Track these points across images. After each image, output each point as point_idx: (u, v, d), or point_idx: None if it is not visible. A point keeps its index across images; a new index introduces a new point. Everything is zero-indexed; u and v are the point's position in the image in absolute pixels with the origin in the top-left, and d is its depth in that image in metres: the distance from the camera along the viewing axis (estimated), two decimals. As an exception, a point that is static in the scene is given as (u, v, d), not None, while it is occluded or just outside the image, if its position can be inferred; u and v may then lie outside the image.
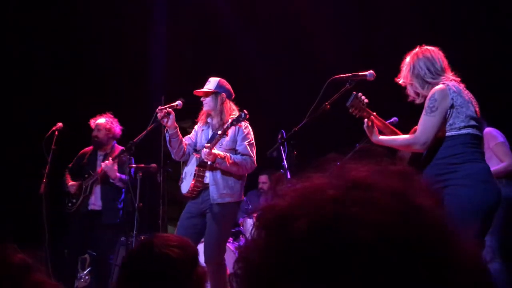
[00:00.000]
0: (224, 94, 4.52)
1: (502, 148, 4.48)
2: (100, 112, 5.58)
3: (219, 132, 4.30)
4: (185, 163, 4.68)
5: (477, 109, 3.22)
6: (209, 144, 4.30)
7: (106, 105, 7.24)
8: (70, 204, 5.49)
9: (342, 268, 0.64)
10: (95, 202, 5.44)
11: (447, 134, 3.14)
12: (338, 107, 3.83)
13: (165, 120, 4.40)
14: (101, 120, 5.66)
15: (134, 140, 4.64)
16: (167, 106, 4.50)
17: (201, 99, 4.57)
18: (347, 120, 6.40)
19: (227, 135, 4.32)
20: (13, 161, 6.89)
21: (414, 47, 3.34)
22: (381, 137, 3.38)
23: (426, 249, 0.65)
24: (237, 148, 4.44)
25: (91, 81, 7.47)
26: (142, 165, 5.15)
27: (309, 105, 3.86)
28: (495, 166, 4.45)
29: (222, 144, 4.37)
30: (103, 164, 5.28)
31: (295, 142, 4.21)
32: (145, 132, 4.59)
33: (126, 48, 7.41)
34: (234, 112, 4.52)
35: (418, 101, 3.34)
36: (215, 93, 4.50)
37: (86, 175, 5.50)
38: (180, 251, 1.65)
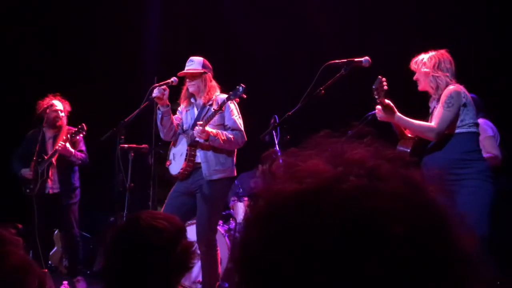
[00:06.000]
0: (210, 74, 4.48)
1: (490, 142, 4.58)
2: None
3: (214, 108, 4.23)
4: (173, 144, 4.64)
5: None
6: (201, 122, 4.23)
7: (98, 84, 7.20)
8: (28, 190, 5.45)
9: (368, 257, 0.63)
10: (53, 185, 5.47)
11: (457, 131, 3.50)
12: (332, 92, 3.81)
13: (160, 96, 4.34)
14: (59, 104, 5.57)
15: (125, 120, 4.57)
16: (162, 83, 4.45)
17: (187, 80, 4.49)
18: (341, 106, 6.41)
19: (222, 110, 4.25)
20: (4, 135, 6.83)
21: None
22: (402, 116, 3.51)
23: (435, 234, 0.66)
24: (226, 123, 4.39)
25: (83, 60, 7.39)
26: (134, 145, 5.11)
27: (303, 90, 3.83)
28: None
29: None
30: (57, 147, 5.28)
31: (288, 126, 4.19)
32: (137, 110, 4.52)
33: (119, 27, 7.32)
34: (217, 89, 4.48)
35: (421, 88, 3.67)
36: (201, 73, 4.44)
37: (39, 159, 5.44)
38: (166, 223, 1.69)
